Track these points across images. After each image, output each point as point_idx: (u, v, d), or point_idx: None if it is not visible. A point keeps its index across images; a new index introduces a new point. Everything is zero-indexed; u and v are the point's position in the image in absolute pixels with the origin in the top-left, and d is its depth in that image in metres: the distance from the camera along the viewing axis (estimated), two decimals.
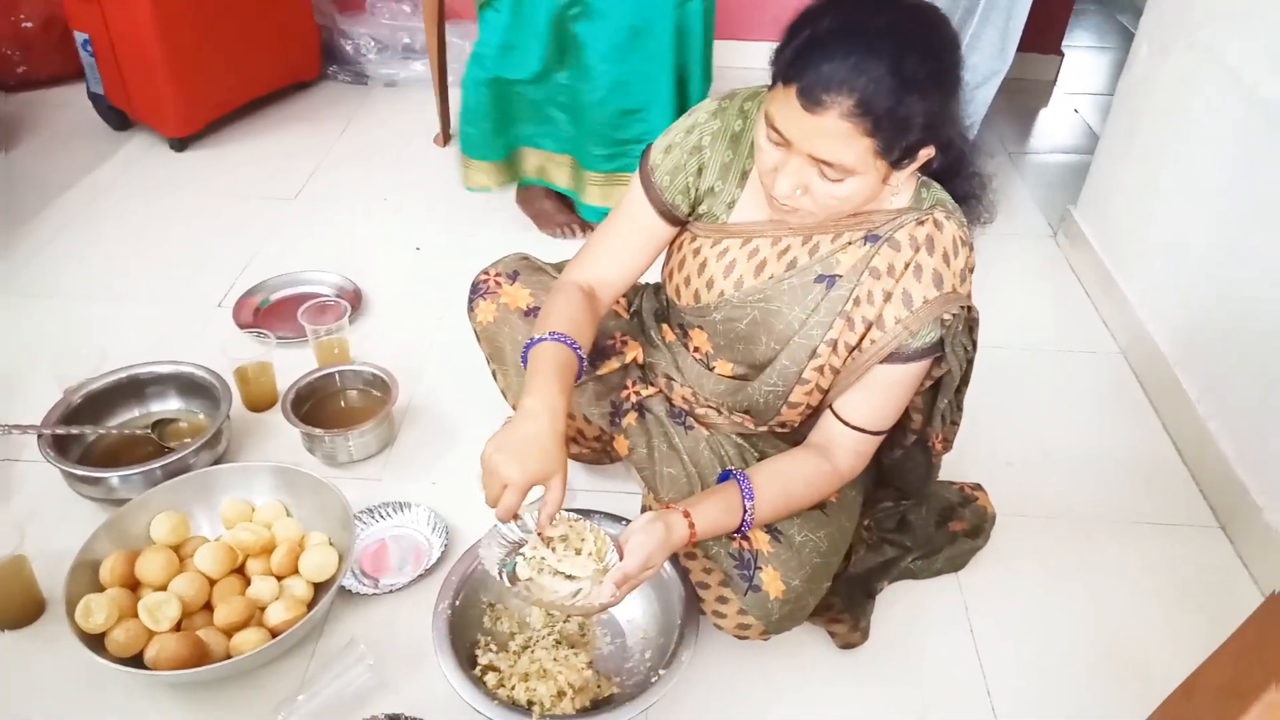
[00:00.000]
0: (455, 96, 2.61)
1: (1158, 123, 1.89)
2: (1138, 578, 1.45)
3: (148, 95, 2.39)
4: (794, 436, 1.28)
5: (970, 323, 1.10)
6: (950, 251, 1.07)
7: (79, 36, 2.39)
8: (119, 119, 2.52)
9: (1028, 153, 2.71)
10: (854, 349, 1.11)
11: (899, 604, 1.39)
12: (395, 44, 2.87)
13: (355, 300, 1.92)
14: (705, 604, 1.21)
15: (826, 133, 0.94)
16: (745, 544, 1.17)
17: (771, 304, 1.14)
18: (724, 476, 1.18)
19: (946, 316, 1.06)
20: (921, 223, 1.07)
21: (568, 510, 1.14)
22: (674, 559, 1.25)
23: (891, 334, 1.07)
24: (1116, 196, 2.05)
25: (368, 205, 2.31)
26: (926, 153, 1.00)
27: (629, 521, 1.31)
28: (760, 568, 1.15)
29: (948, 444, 1.28)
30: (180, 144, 2.47)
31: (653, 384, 1.33)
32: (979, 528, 1.47)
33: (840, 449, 1.16)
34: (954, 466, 1.50)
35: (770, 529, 1.18)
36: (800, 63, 0.94)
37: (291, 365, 1.69)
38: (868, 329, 1.09)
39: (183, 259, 2.08)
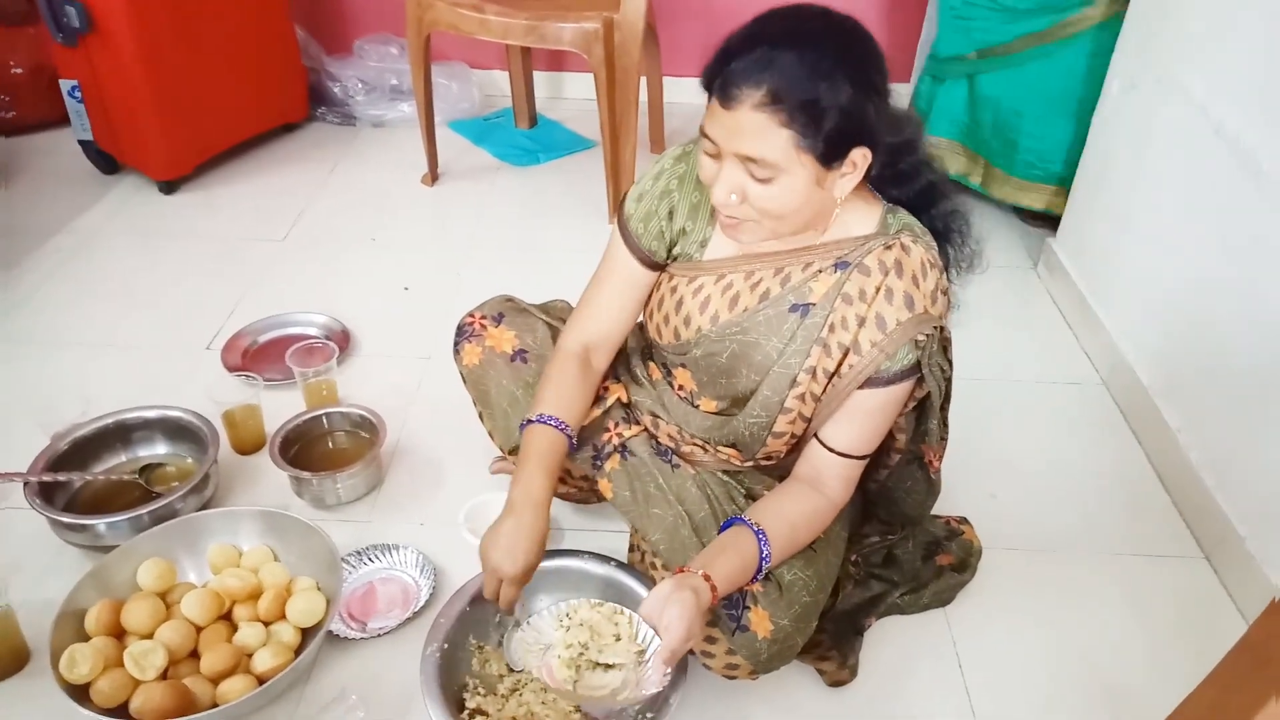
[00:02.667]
0: (442, 136, 2.66)
1: (1129, 156, 1.93)
2: (1124, 609, 1.46)
3: (135, 139, 2.41)
4: (779, 470, 1.29)
5: (944, 342, 1.12)
6: (919, 273, 1.08)
7: (66, 84, 2.40)
8: (107, 163, 2.54)
9: None
10: (833, 375, 1.12)
11: (887, 640, 1.39)
12: (383, 85, 2.91)
13: (343, 341, 1.93)
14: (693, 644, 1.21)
15: (744, 127, 0.99)
16: None
17: (749, 335, 1.16)
18: (728, 524, 1.17)
19: (920, 337, 1.08)
20: (889, 247, 1.09)
21: (588, 601, 1.17)
22: None
23: (868, 358, 1.09)
24: (1093, 229, 2.08)
25: (356, 245, 2.32)
26: (860, 154, 1.03)
27: (616, 561, 1.33)
28: (749, 608, 1.15)
29: (937, 472, 1.29)
30: (169, 186, 2.48)
31: (637, 422, 1.34)
32: (965, 561, 1.47)
33: (829, 477, 1.17)
34: (939, 499, 1.51)
35: None
36: (715, 67, 1.01)
37: (280, 407, 1.69)
38: (845, 354, 1.11)
39: (171, 302, 2.09)
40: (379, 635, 1.34)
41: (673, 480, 1.28)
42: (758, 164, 1.01)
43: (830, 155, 1.01)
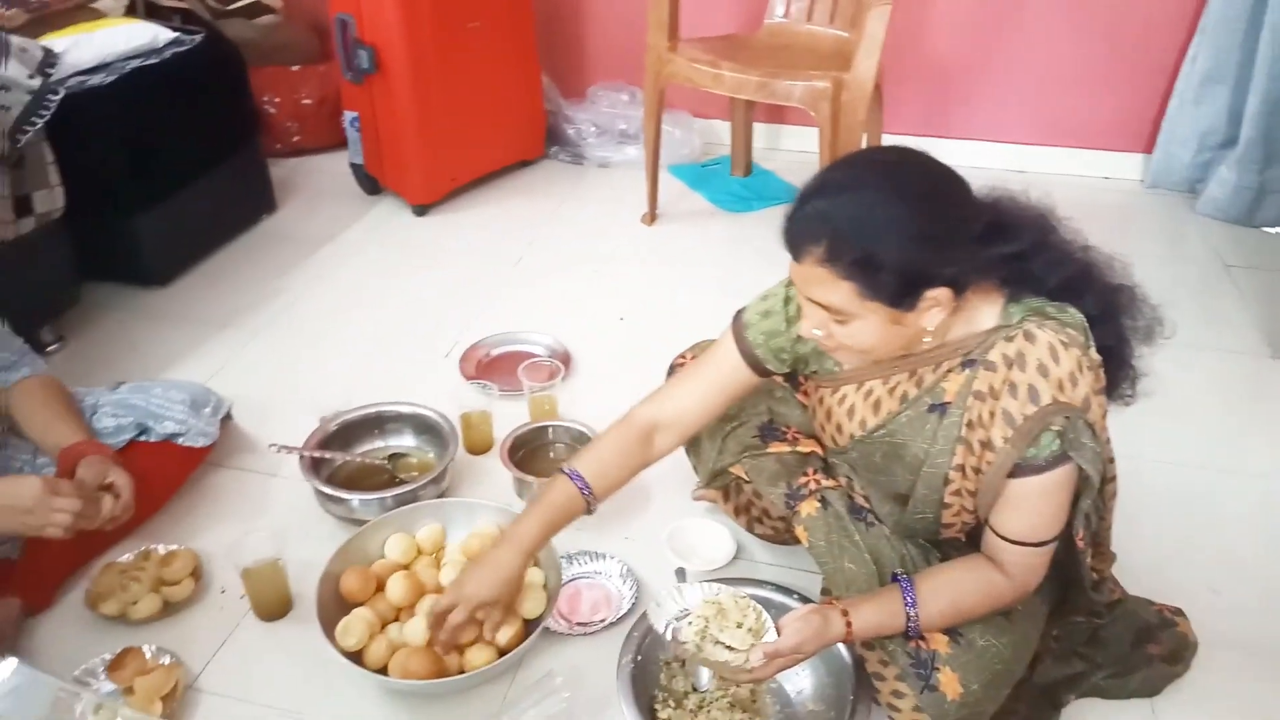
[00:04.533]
0: (662, 179, 2.82)
1: None
2: None
3: (398, 166, 2.72)
4: (974, 536, 1.29)
5: (1090, 425, 1.08)
6: (1046, 360, 1.06)
7: (348, 115, 2.75)
8: (372, 185, 2.87)
9: (1249, 267, 2.59)
10: (978, 471, 1.13)
11: None
12: (612, 129, 3.12)
13: (565, 361, 2.09)
14: (880, 693, 1.24)
15: (810, 279, 1.06)
16: (922, 643, 1.19)
17: (895, 437, 1.19)
18: (894, 578, 1.20)
19: (1056, 426, 1.06)
20: (1010, 339, 1.08)
21: (741, 588, 1.27)
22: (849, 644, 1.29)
23: (1003, 453, 1.08)
24: None
25: (578, 275, 2.51)
26: (939, 293, 1.04)
27: (796, 593, 1.39)
28: (938, 668, 1.17)
29: (1100, 550, 1.26)
30: (421, 210, 2.78)
31: (834, 477, 1.35)
32: (1178, 654, 1.41)
33: (1008, 564, 1.16)
34: (1153, 587, 1.46)
35: (949, 630, 1.19)
36: (785, 218, 1.07)
37: (505, 416, 1.86)
38: (984, 450, 1.11)
39: (417, 312, 2.33)
40: (583, 634, 1.45)
41: (868, 538, 1.28)
42: (830, 309, 1.06)
43: (899, 301, 1.04)
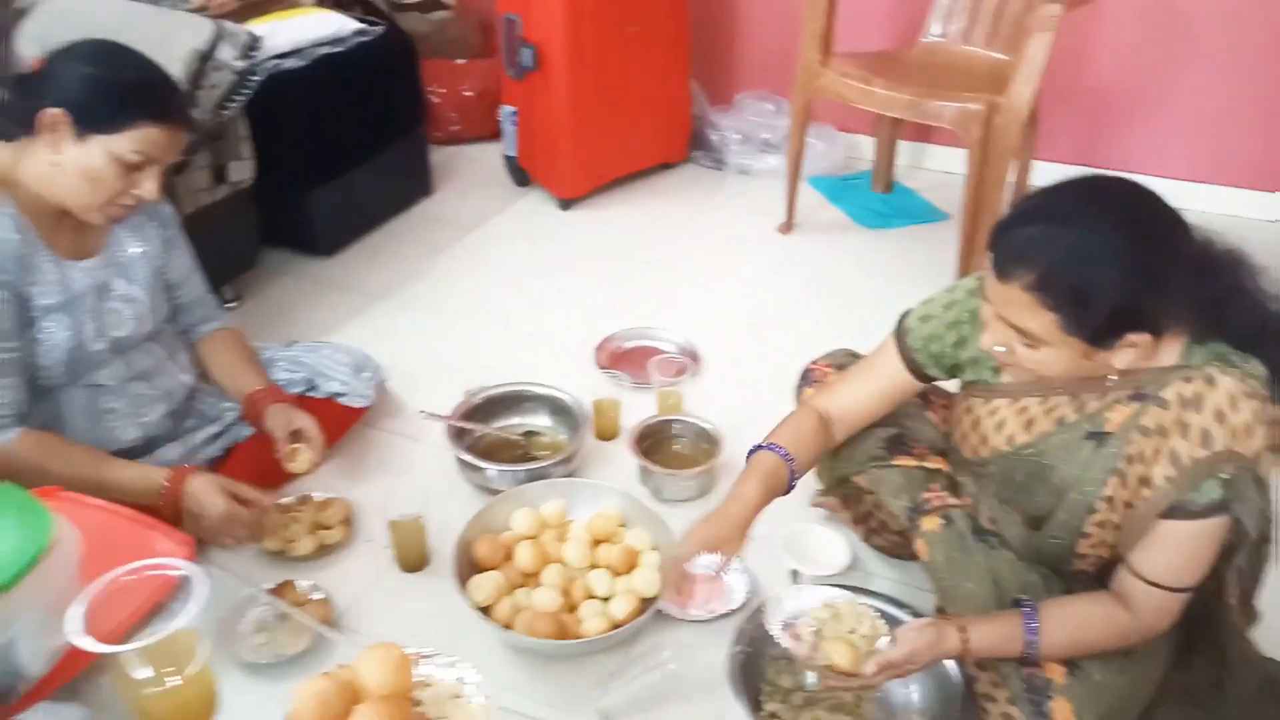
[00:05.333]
0: (803, 190, 2.85)
1: None
2: None
3: (548, 160, 2.85)
4: (1103, 572, 1.28)
5: (1258, 481, 1.05)
6: (1225, 407, 1.04)
7: (505, 109, 2.90)
8: (521, 177, 3.01)
9: None
10: (1129, 505, 1.12)
11: None
12: (755, 138, 3.17)
13: (694, 359, 2.16)
14: (988, 715, 1.25)
15: (1011, 301, 1.03)
16: (1037, 670, 1.19)
17: (1044, 459, 1.18)
18: (1017, 603, 1.20)
19: (1224, 474, 1.04)
20: (1189, 379, 1.06)
21: (860, 597, 1.31)
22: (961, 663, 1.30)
23: (1161, 492, 1.07)
24: None
25: (713, 277, 2.57)
26: (1140, 337, 1.01)
27: (908, 607, 1.41)
28: (1051, 697, 1.17)
29: (1246, 608, 1.22)
30: (566, 204, 2.90)
31: (960, 497, 1.35)
32: None
33: (1139, 605, 1.15)
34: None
35: (1067, 660, 1.19)
36: (998, 232, 1.05)
37: (633, 407, 1.94)
38: (1140, 485, 1.10)
39: (557, 300, 2.45)
40: (695, 622, 1.51)
41: (991, 559, 1.27)
42: (1022, 334, 1.05)
43: (1100, 340, 1.02)
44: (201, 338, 1.70)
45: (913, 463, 1.38)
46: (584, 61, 2.66)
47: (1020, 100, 2.22)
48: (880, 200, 2.99)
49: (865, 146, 3.12)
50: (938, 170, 3.17)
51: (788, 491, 1.33)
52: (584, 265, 2.62)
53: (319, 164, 2.47)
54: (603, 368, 2.12)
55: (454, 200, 2.97)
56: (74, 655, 0.85)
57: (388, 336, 2.26)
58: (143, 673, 0.84)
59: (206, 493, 1.42)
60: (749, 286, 2.54)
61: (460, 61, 3.21)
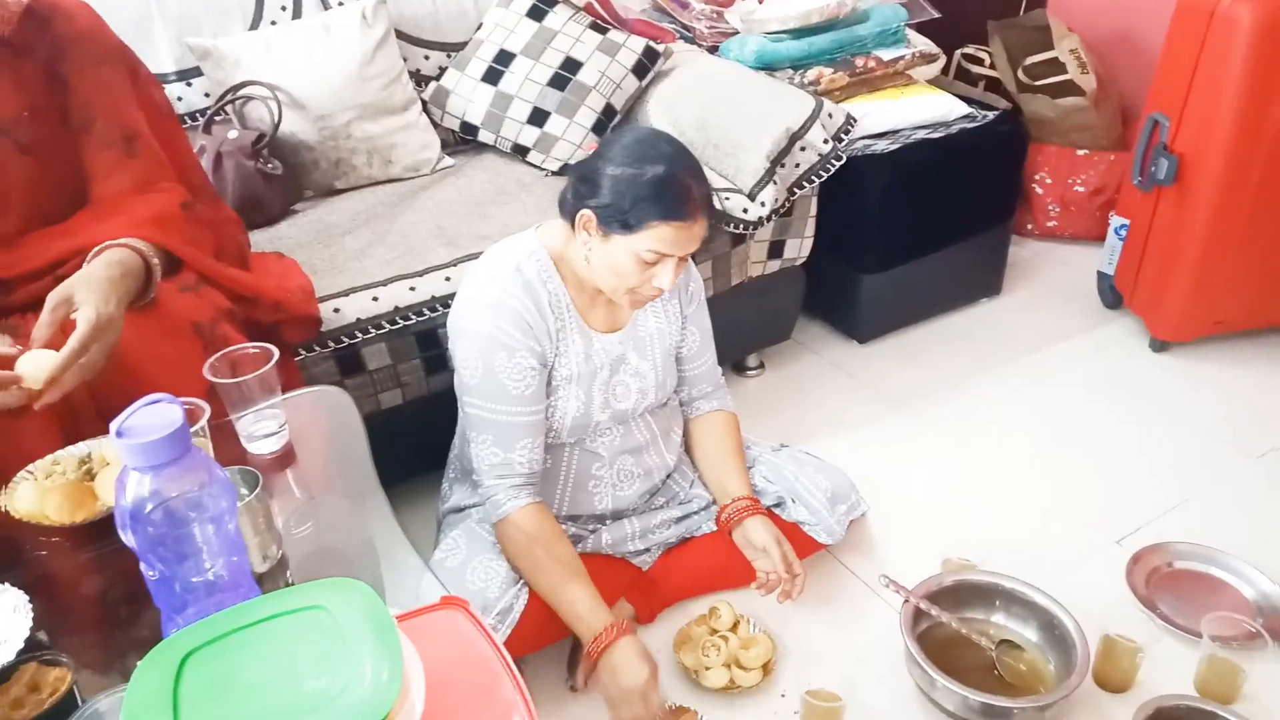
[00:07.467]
0: None
1: None
2: None
3: (1154, 290, 2.33)
4: None
5: None
6: None
7: (1116, 219, 2.44)
8: (1113, 299, 2.52)
9: None
10: None
11: None
12: None
13: (1275, 620, 1.56)
14: None
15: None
16: None
17: None
18: None
19: None
20: None
21: None
22: None
23: None
24: None
25: None
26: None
27: None
28: None
29: None
30: (1161, 345, 2.35)
31: None
32: None
33: None
34: None
35: None
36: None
37: (1159, 660, 1.46)
38: None
39: (1107, 467, 1.98)
40: None
41: None
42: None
43: None
44: (698, 415, 1.69)
45: None
46: (1238, 189, 2.10)
47: None
48: None
49: None
50: None
51: None
52: (1165, 427, 2.10)
53: (884, 249, 2.33)
54: (1134, 590, 1.64)
55: (1023, 307, 2.60)
56: None
57: (889, 459, 2.03)
58: None
59: (630, 663, 1.36)
60: None
61: (1081, 152, 2.79)
